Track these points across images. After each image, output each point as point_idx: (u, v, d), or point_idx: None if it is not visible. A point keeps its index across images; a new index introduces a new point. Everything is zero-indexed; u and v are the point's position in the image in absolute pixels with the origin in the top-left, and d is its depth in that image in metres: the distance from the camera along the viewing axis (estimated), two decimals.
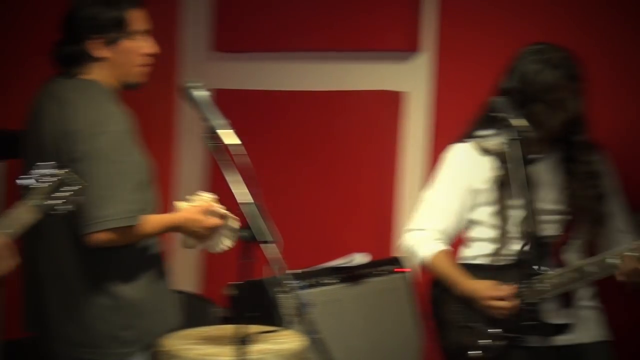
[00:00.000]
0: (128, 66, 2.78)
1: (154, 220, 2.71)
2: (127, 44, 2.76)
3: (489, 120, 2.99)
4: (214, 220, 2.76)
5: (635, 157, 3.49)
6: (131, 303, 2.73)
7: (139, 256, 2.76)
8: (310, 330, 2.52)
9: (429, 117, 4.01)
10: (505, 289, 2.89)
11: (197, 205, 2.78)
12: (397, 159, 4.11)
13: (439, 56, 3.97)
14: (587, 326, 3.03)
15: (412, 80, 4.09)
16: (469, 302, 2.96)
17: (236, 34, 4.53)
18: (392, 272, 3.69)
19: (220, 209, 2.78)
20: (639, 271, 2.80)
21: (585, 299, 3.05)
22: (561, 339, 2.91)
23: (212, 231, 2.77)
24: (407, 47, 4.09)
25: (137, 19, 2.77)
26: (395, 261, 3.69)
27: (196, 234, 2.77)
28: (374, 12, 4.14)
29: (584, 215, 3.01)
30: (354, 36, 4.21)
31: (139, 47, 2.78)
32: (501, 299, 2.88)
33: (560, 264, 2.95)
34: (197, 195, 2.82)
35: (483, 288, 2.92)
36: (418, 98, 4.07)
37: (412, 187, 3.97)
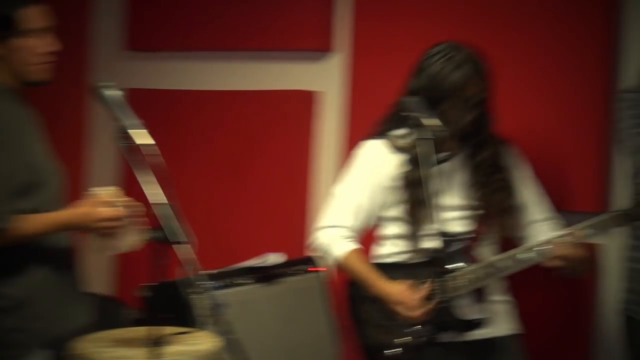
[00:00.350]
0: (22, 64, 2.74)
1: (35, 220, 2.66)
2: (19, 42, 2.71)
3: (400, 118, 3.03)
4: (111, 211, 2.70)
5: (540, 152, 3.57)
6: (20, 304, 2.68)
7: (31, 256, 2.70)
8: (224, 331, 2.51)
9: (343, 117, 4.03)
10: (418, 292, 2.92)
11: (92, 199, 2.73)
12: (311, 158, 4.13)
13: (352, 56, 4.00)
14: (499, 320, 3.09)
15: (326, 80, 4.11)
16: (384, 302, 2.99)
17: (149, 32, 4.48)
18: (307, 271, 3.70)
19: (122, 200, 2.73)
20: (570, 255, 2.87)
21: (498, 294, 3.10)
22: (475, 334, 2.96)
23: (114, 227, 2.72)
24: (320, 47, 4.10)
25: (32, 16, 2.73)
26: (310, 260, 3.70)
27: (96, 229, 2.72)
28: (288, 12, 4.14)
29: (493, 209, 3.07)
30: (267, 36, 4.20)
31: (34, 46, 2.74)
32: (414, 302, 2.91)
33: (473, 259, 3.00)
34: (97, 189, 2.77)
35: (396, 291, 2.94)
36: (332, 98, 4.09)
37: (326, 186, 3.98)
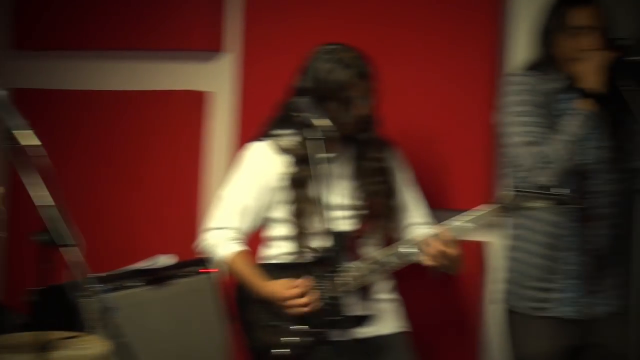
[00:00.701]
0: None
1: None
2: None
3: (287, 119, 3.04)
4: None
5: (427, 151, 3.63)
6: None
7: None
8: (114, 335, 2.48)
9: (234, 117, 4.03)
10: (300, 286, 2.95)
11: None
12: (202, 159, 4.11)
13: (242, 56, 4.00)
14: (386, 318, 3.13)
15: (216, 81, 4.10)
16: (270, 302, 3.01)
17: (36, 31, 4.38)
18: (198, 273, 3.67)
19: None
20: (443, 253, 2.92)
21: (384, 292, 3.15)
22: (362, 332, 3.00)
23: None
24: (211, 47, 4.09)
25: None
26: (201, 262, 3.67)
27: None
28: (178, 12, 4.12)
29: (376, 209, 3.11)
30: (158, 35, 4.17)
31: None
32: (298, 296, 2.94)
33: (359, 257, 3.03)
34: None
35: (279, 289, 2.97)
36: (222, 98, 4.08)
37: (217, 187, 3.97)
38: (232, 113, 4.04)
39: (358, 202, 3.10)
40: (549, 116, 3.05)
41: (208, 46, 4.10)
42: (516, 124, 3.04)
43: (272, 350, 2.99)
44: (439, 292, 3.65)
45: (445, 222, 2.99)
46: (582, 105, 2.97)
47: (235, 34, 4.04)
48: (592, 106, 2.96)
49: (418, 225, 3.20)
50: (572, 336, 3.12)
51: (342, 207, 3.08)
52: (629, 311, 3.23)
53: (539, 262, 3.11)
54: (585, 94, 2.96)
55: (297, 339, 2.99)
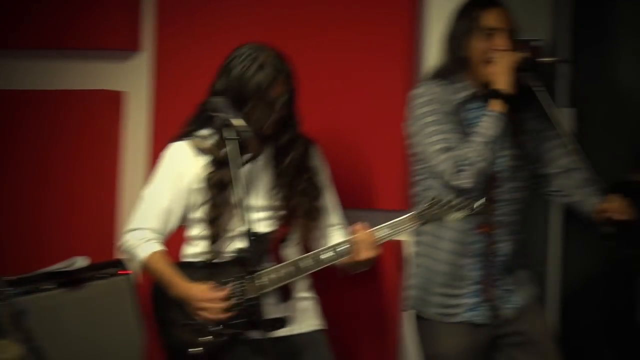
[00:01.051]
0: None
1: None
2: None
3: (206, 119, 3.03)
4: None
5: (346, 151, 3.65)
6: None
7: None
8: (26, 339, 2.44)
9: (150, 117, 3.99)
10: (215, 296, 2.94)
11: None
12: (119, 159, 4.07)
13: (158, 55, 3.96)
14: (304, 317, 3.14)
15: (133, 80, 4.05)
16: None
17: None
18: (115, 274, 3.63)
19: None
20: (360, 257, 2.94)
21: (301, 291, 3.16)
22: (280, 332, 3.00)
23: None
24: (127, 46, 4.05)
25: None
26: (118, 263, 3.63)
27: None
28: (94, 10, 4.06)
29: (297, 210, 3.11)
30: (73, 34, 4.10)
31: None
32: (215, 301, 2.93)
33: (278, 259, 3.04)
34: None
35: (197, 292, 2.96)
36: (138, 98, 4.04)
37: (134, 187, 3.93)
38: (148, 113, 4.00)
39: (277, 203, 3.10)
40: (459, 124, 3.09)
41: (124, 45, 4.06)
42: (429, 133, 3.05)
43: (189, 350, 2.98)
44: (357, 290, 3.66)
45: (361, 225, 2.99)
46: (494, 107, 3.00)
47: (150, 33, 4.01)
48: (504, 107, 3.00)
49: (335, 227, 3.20)
50: (481, 338, 3.17)
51: (262, 209, 3.08)
52: (541, 301, 3.30)
53: (444, 268, 3.14)
54: (496, 95, 3.00)
55: (213, 338, 2.98)
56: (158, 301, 3.08)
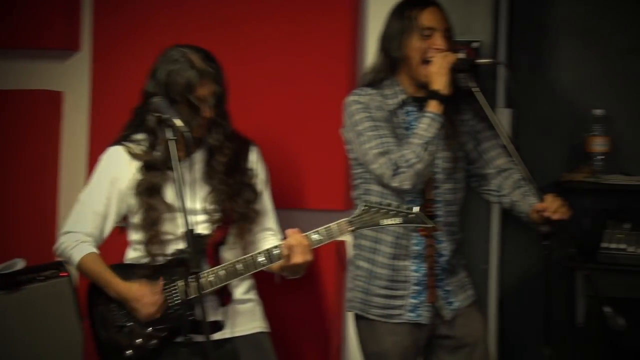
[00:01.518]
0: None
1: None
2: None
3: (142, 122, 3.02)
4: None
5: (287, 151, 3.66)
6: None
7: None
8: None
9: (89, 118, 3.97)
10: (152, 291, 2.95)
11: None
12: (58, 160, 4.05)
13: (96, 55, 3.95)
14: (246, 319, 3.15)
15: (72, 80, 4.03)
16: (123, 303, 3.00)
17: None
18: (56, 276, 3.60)
19: None
20: (296, 261, 2.94)
21: (242, 293, 3.16)
22: (221, 333, 3.01)
23: None
24: (66, 45, 4.03)
25: None
26: (59, 265, 3.60)
27: None
28: (32, 10, 4.02)
29: (232, 213, 3.10)
30: (11, 33, 4.07)
31: None
32: (150, 298, 2.94)
33: (216, 261, 3.04)
34: None
35: (133, 291, 2.97)
36: (77, 98, 4.02)
37: (74, 189, 3.90)
38: (86, 113, 3.98)
39: (213, 207, 3.09)
40: (396, 127, 3.10)
41: (64, 45, 4.03)
42: (367, 139, 3.05)
43: (126, 352, 2.98)
44: (301, 292, 3.68)
45: (295, 230, 2.99)
46: (431, 108, 3.02)
47: (88, 32, 3.99)
48: (441, 108, 3.01)
49: (271, 230, 3.21)
50: (423, 336, 3.19)
51: (197, 211, 3.07)
52: (479, 302, 3.34)
53: (385, 270, 3.16)
54: (433, 96, 3.02)
55: (148, 341, 2.98)
56: (94, 302, 3.08)
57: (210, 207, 3.09)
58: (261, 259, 2.97)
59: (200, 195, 3.08)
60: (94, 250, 3.05)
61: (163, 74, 3.00)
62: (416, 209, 2.88)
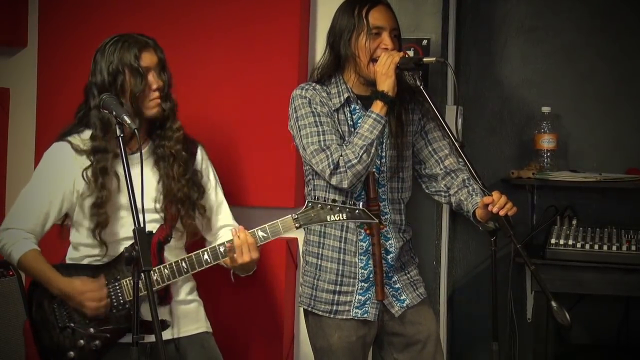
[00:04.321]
0: None
1: None
2: None
3: (88, 118, 2.99)
4: None
5: (228, 153, 3.65)
6: None
7: None
8: None
9: (36, 114, 3.93)
10: (97, 284, 2.93)
11: None
12: (5, 156, 4.01)
13: (43, 51, 3.91)
14: (188, 320, 3.14)
15: (18, 76, 4.01)
16: (66, 302, 2.96)
17: None
18: (4, 275, 3.57)
19: None
20: (244, 258, 2.93)
21: (185, 294, 3.15)
22: (163, 333, 2.98)
23: None
24: (12, 42, 3.99)
25: None
26: (6, 264, 3.57)
27: None
28: None
29: (178, 211, 3.08)
30: None
31: None
32: (93, 293, 2.91)
33: (159, 260, 3.01)
34: None
35: (76, 286, 2.93)
36: (24, 94, 3.99)
37: (21, 185, 3.84)
38: (33, 109, 3.95)
39: (160, 203, 3.07)
40: (340, 125, 3.10)
41: (10, 41, 4.00)
42: (308, 134, 3.05)
43: (69, 353, 2.96)
44: (253, 288, 3.66)
45: (240, 228, 2.98)
46: (376, 108, 3.02)
47: (35, 28, 3.96)
48: (385, 109, 3.01)
49: (222, 227, 3.20)
50: (371, 333, 3.20)
51: (145, 209, 3.03)
52: (429, 299, 3.35)
53: (332, 266, 3.16)
54: (378, 97, 3.02)
55: (90, 341, 2.96)
56: (36, 302, 3.04)
57: (155, 205, 3.07)
58: (206, 257, 2.96)
59: (148, 191, 3.03)
60: (35, 247, 3.01)
61: (103, 68, 2.96)
62: (360, 205, 2.89)
